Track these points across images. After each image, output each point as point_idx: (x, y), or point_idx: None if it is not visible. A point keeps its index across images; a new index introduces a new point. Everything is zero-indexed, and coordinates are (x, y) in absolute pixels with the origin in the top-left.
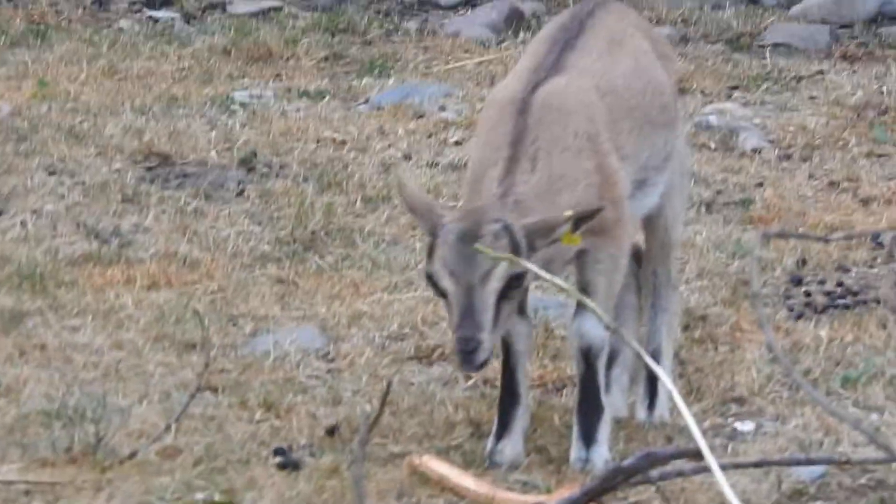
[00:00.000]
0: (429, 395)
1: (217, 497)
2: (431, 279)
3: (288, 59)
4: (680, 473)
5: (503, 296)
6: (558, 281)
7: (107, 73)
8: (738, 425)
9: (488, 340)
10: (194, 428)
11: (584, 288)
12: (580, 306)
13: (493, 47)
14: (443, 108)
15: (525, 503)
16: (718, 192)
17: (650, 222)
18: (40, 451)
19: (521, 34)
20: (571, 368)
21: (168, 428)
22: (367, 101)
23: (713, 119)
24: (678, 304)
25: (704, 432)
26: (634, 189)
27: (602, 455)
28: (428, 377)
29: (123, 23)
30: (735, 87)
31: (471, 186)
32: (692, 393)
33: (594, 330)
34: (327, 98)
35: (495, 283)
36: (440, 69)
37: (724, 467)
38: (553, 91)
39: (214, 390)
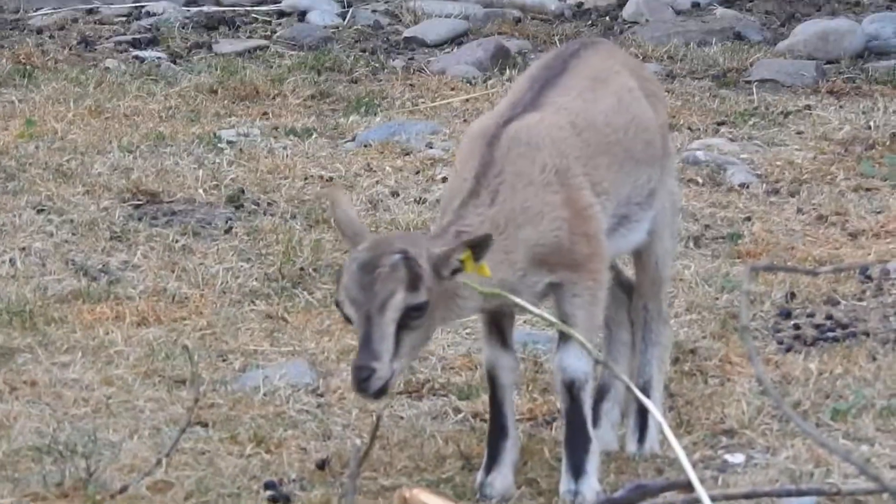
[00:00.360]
0: (419, 429)
1: None
2: (338, 306)
3: (275, 97)
4: None
5: (403, 325)
6: (545, 314)
7: (94, 112)
8: (729, 457)
9: (385, 369)
10: (185, 462)
11: (564, 321)
12: (562, 340)
13: (480, 85)
14: (430, 146)
15: None
16: (707, 227)
17: (640, 258)
18: (31, 485)
19: (508, 72)
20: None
21: (159, 462)
22: (354, 139)
23: (700, 154)
24: (669, 338)
25: (695, 464)
26: (617, 224)
27: (591, 487)
28: (418, 411)
29: (110, 62)
30: (722, 123)
31: (440, 217)
32: (682, 425)
33: (576, 363)
34: (314, 136)
35: (392, 314)
36: (427, 107)
37: (714, 499)
38: (524, 125)
39: (205, 425)
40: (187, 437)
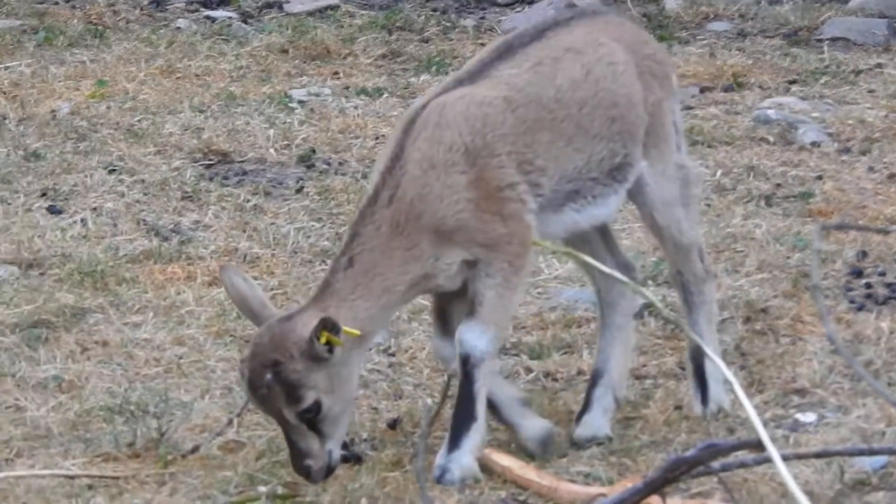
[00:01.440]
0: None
1: (279, 490)
2: None
3: (345, 56)
4: (742, 464)
5: (310, 423)
6: (616, 274)
7: (165, 72)
8: (800, 416)
9: (320, 459)
10: (256, 422)
11: (472, 299)
12: (468, 315)
13: None
14: None
15: (587, 494)
16: (778, 186)
17: (653, 231)
18: (103, 446)
19: None
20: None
21: (230, 422)
22: None
23: (772, 113)
24: (713, 293)
25: (766, 423)
26: (564, 200)
27: (461, 463)
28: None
29: (181, 22)
30: (793, 82)
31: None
32: (754, 385)
33: (474, 340)
34: (385, 95)
35: (293, 423)
36: None
37: (785, 458)
38: (439, 104)
39: None
40: None
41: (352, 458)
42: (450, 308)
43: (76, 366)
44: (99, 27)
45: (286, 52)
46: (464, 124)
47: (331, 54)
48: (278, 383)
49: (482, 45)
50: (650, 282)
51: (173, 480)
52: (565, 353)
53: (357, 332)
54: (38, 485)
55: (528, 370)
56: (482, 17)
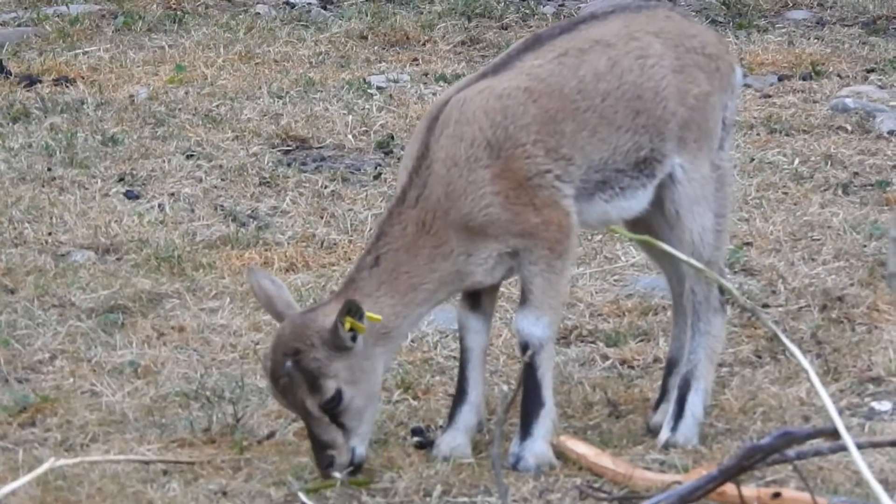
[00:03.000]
0: (566, 376)
1: (355, 477)
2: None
3: (424, 43)
4: (817, 452)
5: (333, 415)
6: (692, 261)
7: (244, 57)
8: (876, 405)
9: (343, 455)
10: None
11: (523, 287)
12: (521, 304)
13: None
14: None
15: (662, 482)
16: (855, 175)
17: (675, 232)
18: (179, 431)
19: None
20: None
21: None
22: None
23: (849, 102)
24: (721, 329)
25: (841, 412)
26: (593, 190)
27: (534, 451)
28: (566, 357)
29: (260, 8)
30: (871, 70)
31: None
32: (829, 373)
33: (530, 328)
34: None
35: (315, 414)
36: None
37: (861, 446)
38: (460, 100)
39: None
40: None
41: (427, 444)
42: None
43: (152, 351)
44: (178, 12)
45: (365, 38)
46: (484, 118)
47: (410, 41)
48: (299, 371)
49: None
50: (727, 270)
51: (248, 466)
52: (641, 340)
53: (379, 316)
54: (114, 470)
55: (605, 357)
56: (561, 4)
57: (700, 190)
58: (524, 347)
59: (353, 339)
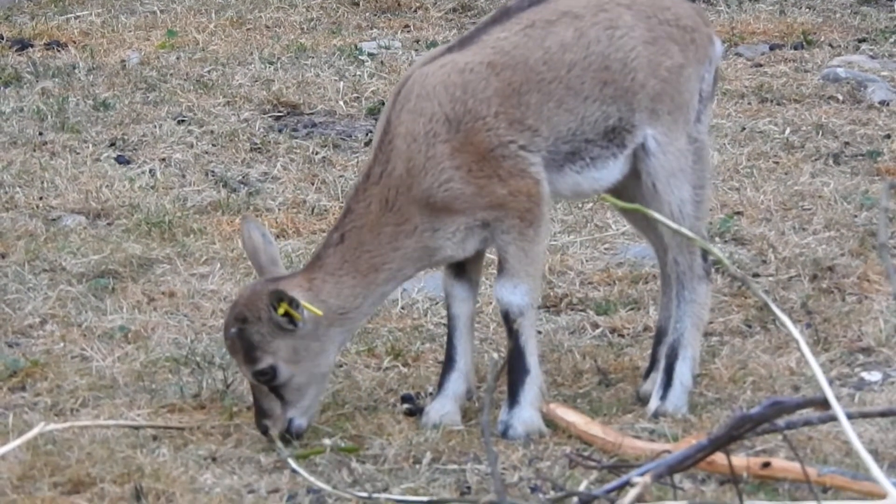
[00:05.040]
0: (556, 344)
1: (344, 444)
2: None
3: (416, 9)
4: (807, 422)
5: (270, 386)
6: (684, 230)
7: (235, 23)
8: (866, 375)
9: (279, 423)
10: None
11: (499, 256)
12: (498, 272)
13: None
14: None
15: (652, 451)
16: (846, 144)
17: (653, 205)
18: (168, 396)
19: None
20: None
21: None
22: None
23: (841, 72)
24: (706, 296)
25: (831, 382)
26: (563, 160)
27: (521, 418)
28: (556, 326)
29: None
30: (863, 40)
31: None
32: (819, 343)
33: (508, 296)
34: None
35: (251, 379)
36: None
37: (850, 416)
38: (420, 75)
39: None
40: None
41: (417, 411)
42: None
43: (142, 316)
44: None
45: (357, 4)
46: (444, 93)
47: (401, 7)
48: (240, 339)
49: None
50: (717, 239)
51: (238, 432)
52: (632, 308)
53: (319, 311)
54: (104, 435)
55: (595, 325)
56: None
57: (676, 162)
58: (505, 316)
59: (293, 323)
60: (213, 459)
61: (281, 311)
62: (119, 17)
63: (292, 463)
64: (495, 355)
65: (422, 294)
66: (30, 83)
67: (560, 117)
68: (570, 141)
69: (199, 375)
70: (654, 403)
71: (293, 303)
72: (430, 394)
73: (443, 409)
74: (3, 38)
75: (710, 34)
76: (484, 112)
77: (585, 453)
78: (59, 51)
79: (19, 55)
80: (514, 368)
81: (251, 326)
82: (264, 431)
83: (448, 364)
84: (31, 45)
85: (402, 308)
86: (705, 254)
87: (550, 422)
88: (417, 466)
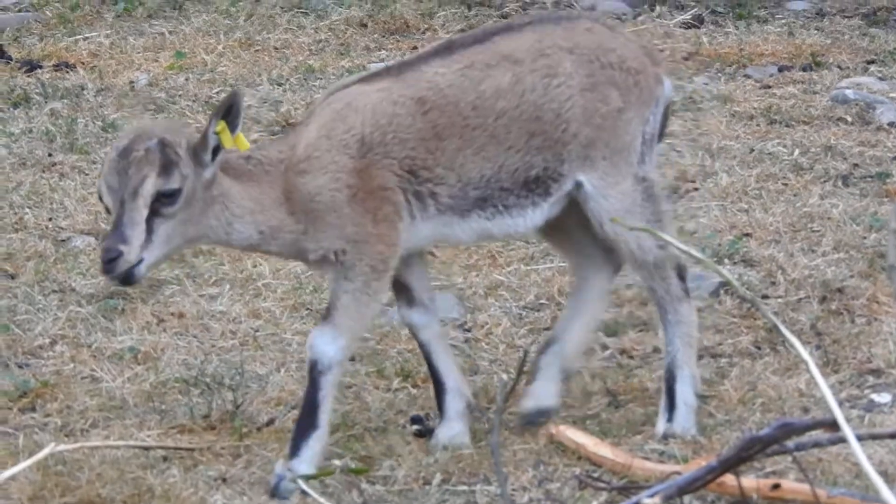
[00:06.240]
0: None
1: (354, 464)
2: (99, 198)
3: (424, 31)
4: (816, 444)
5: (155, 212)
6: (693, 251)
7: (244, 44)
8: (875, 397)
9: (133, 254)
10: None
11: (331, 301)
12: (323, 318)
13: (630, 21)
14: None
15: (662, 472)
16: (855, 166)
17: (612, 245)
18: (178, 417)
19: (657, 8)
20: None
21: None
22: None
23: (849, 93)
24: (691, 314)
25: (841, 403)
26: (471, 207)
27: (297, 470)
28: None
29: None
30: (871, 62)
31: None
32: (829, 364)
33: (324, 346)
34: None
35: (143, 199)
36: None
37: (860, 438)
38: (358, 91)
39: (352, 359)
40: None
41: (426, 432)
42: (407, 277)
43: (152, 337)
44: None
45: (365, 25)
46: (371, 116)
47: (410, 28)
48: (159, 152)
49: None
50: (726, 260)
51: (248, 453)
52: (641, 330)
53: (248, 144)
54: (113, 455)
55: (604, 347)
56: None
57: (620, 204)
58: (312, 365)
59: (214, 153)
60: (224, 480)
61: (220, 127)
62: (128, 39)
63: (302, 484)
64: (504, 376)
65: None
66: (39, 104)
67: (475, 164)
68: (482, 188)
69: (208, 396)
70: (661, 426)
71: (233, 121)
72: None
73: (450, 431)
74: (12, 60)
75: (659, 74)
76: (395, 152)
77: (595, 474)
78: (67, 72)
79: (28, 76)
80: (303, 421)
81: (173, 146)
82: (115, 257)
83: (438, 388)
84: (40, 67)
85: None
86: (681, 274)
87: (560, 443)
88: (427, 487)
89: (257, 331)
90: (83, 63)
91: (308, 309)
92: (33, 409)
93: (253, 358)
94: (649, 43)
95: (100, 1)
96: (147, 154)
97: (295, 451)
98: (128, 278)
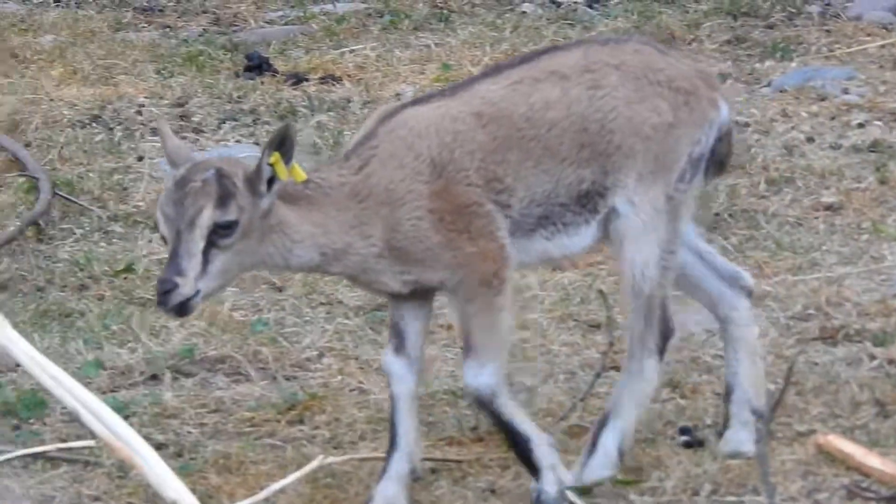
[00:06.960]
0: (833, 375)
1: (622, 476)
2: (156, 226)
3: (690, 42)
4: None
5: (212, 244)
6: None
7: (510, 56)
8: None
9: (188, 286)
10: (600, 407)
11: (463, 333)
12: (464, 355)
13: None
14: (846, 91)
15: None
16: None
17: (619, 264)
18: (447, 429)
19: None
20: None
21: (574, 407)
22: (769, 84)
23: None
24: (653, 373)
25: None
26: (535, 225)
27: (550, 481)
28: (833, 357)
29: (526, 6)
30: None
31: None
32: None
33: (474, 380)
34: (730, 81)
35: (200, 231)
36: (842, 52)
37: None
38: (415, 113)
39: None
40: (602, 382)
41: (695, 443)
42: (404, 324)
43: None
44: (444, 11)
45: None
46: (434, 136)
47: (676, 39)
48: (216, 183)
49: (827, 31)
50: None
51: (517, 465)
52: None
53: (304, 175)
54: (382, 468)
55: (872, 357)
56: (828, 4)
57: (647, 221)
58: (479, 402)
59: (269, 183)
60: (493, 492)
61: (273, 158)
62: (394, 51)
63: (572, 496)
64: (772, 387)
65: (699, 326)
66: (305, 117)
67: (535, 177)
68: (544, 204)
69: (476, 408)
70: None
71: (286, 152)
72: (709, 426)
73: (387, 492)
74: (278, 73)
75: (714, 98)
76: (467, 165)
77: (864, 485)
78: (333, 84)
79: (294, 89)
80: (515, 443)
81: (230, 178)
82: (171, 289)
83: (391, 444)
84: (306, 80)
85: (680, 340)
86: (666, 331)
87: (828, 453)
88: (696, 498)
89: (525, 342)
90: (349, 76)
91: (575, 320)
92: (301, 422)
93: (521, 370)
94: None
95: (365, 14)
96: (204, 185)
97: (533, 469)
98: (183, 310)
